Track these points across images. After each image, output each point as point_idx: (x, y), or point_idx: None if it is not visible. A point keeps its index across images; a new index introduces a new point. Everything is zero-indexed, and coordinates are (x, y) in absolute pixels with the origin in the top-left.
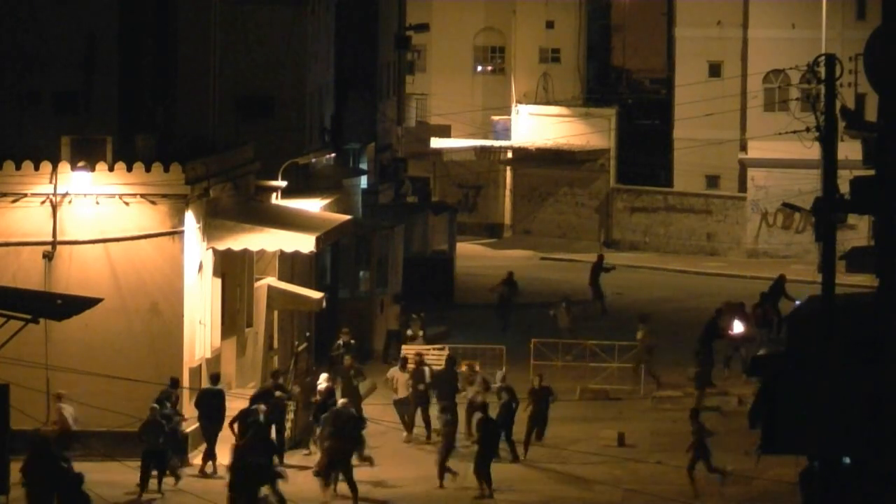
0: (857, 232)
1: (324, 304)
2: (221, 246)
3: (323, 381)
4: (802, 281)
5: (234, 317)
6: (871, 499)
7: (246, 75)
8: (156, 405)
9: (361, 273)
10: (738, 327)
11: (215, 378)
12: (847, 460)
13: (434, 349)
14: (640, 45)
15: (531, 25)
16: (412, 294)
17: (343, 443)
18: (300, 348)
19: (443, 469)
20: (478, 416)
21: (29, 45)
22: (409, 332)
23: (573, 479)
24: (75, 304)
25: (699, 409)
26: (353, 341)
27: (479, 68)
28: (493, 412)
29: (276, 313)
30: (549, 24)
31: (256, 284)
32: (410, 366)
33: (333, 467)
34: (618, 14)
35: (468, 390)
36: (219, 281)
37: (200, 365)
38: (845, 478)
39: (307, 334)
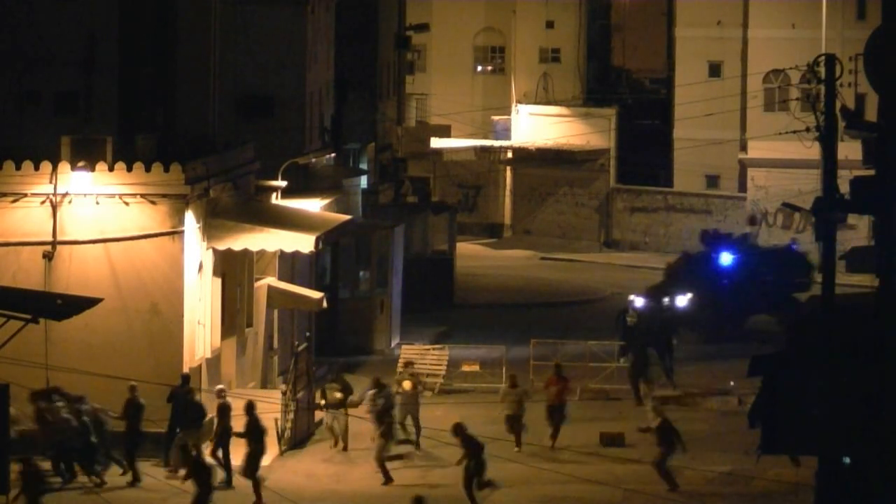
0: (857, 232)
1: (324, 304)
2: (221, 246)
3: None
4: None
5: (234, 317)
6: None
7: (246, 75)
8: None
9: (361, 273)
10: None
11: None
12: (847, 460)
13: (434, 349)
14: (640, 45)
15: (531, 25)
16: (412, 294)
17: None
18: (300, 348)
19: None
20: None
21: (29, 45)
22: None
23: (573, 479)
24: (75, 304)
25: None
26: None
27: (479, 68)
28: None
29: (276, 313)
30: (549, 24)
31: (256, 284)
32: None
33: None
34: (618, 14)
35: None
36: (219, 281)
37: (200, 365)
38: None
39: (307, 334)
